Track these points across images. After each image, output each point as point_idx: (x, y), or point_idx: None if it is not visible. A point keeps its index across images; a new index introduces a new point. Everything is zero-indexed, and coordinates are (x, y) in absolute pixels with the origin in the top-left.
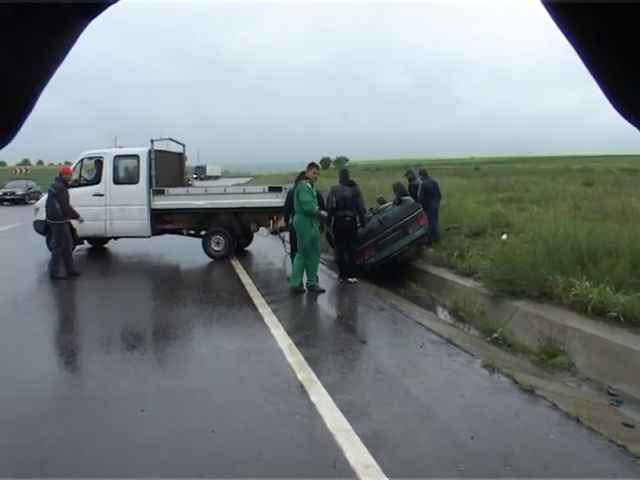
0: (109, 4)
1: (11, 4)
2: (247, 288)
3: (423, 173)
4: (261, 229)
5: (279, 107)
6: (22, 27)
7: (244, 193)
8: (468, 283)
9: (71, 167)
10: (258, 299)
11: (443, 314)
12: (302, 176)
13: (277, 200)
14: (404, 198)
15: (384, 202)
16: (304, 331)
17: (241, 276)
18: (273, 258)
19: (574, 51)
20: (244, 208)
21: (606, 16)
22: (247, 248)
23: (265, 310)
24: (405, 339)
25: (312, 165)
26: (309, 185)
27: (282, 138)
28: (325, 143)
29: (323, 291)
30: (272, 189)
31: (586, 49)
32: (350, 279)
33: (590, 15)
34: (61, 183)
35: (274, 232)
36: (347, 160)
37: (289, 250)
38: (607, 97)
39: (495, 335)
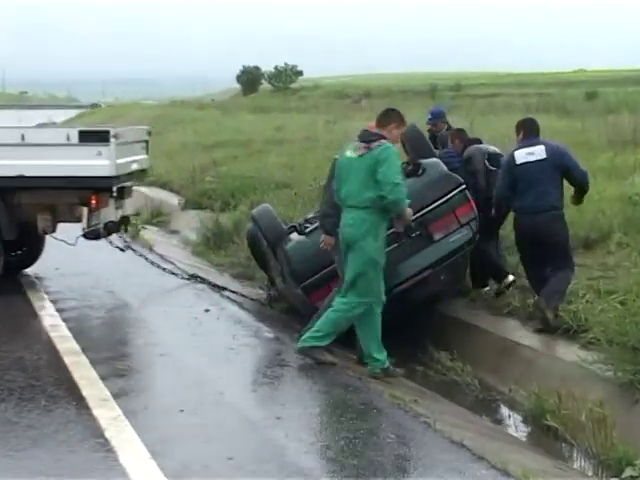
0: None
1: None
2: (66, 361)
3: (461, 137)
4: (78, 229)
5: None
6: None
7: (23, 145)
8: (569, 354)
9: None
10: (90, 387)
11: (511, 422)
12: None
13: (99, 163)
14: (425, 162)
15: None
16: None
17: (50, 326)
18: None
19: None
20: (22, 179)
21: None
22: (30, 269)
23: (109, 413)
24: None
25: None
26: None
27: (162, 33)
28: (258, 42)
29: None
30: (88, 137)
31: None
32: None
33: None
34: None
35: (94, 232)
36: (300, 73)
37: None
38: None
39: (631, 474)
